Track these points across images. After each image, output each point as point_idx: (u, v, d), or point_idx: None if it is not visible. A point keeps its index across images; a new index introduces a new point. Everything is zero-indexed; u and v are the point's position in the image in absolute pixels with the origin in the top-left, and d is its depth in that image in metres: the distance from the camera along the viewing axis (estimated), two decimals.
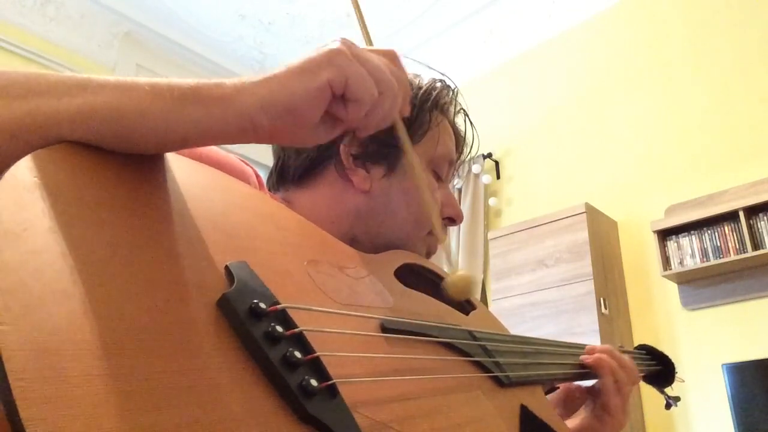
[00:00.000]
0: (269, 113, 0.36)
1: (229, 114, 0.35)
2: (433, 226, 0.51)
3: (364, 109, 0.41)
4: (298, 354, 0.31)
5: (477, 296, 0.51)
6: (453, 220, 0.70)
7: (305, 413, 0.30)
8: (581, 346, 0.79)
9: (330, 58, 0.39)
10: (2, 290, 0.22)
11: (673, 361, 1.00)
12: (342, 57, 0.39)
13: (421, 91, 0.67)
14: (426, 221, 0.65)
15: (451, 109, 0.72)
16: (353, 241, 0.54)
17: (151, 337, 0.26)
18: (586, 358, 0.75)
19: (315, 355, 0.33)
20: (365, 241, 0.62)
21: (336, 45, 0.40)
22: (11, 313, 0.22)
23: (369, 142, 0.63)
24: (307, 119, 0.38)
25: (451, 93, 0.71)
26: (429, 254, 0.70)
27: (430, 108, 0.67)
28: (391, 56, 0.45)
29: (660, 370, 1.00)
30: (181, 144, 0.35)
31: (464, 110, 0.75)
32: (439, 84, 0.70)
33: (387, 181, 0.64)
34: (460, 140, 0.74)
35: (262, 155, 3.15)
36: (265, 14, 3.34)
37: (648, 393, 2.37)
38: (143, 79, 0.34)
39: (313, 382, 0.31)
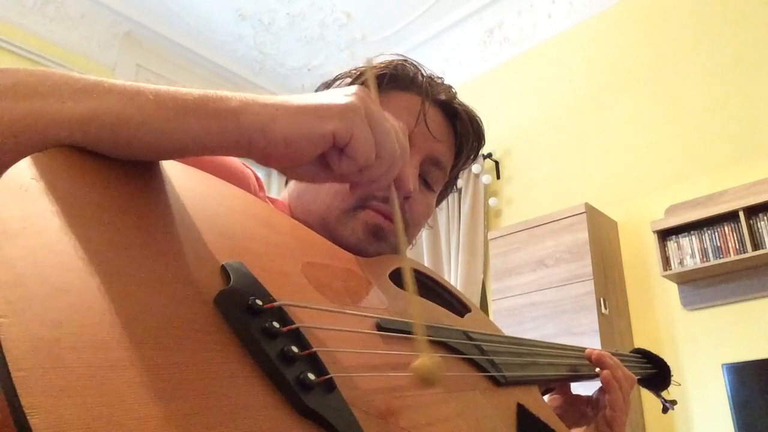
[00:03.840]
0: (267, 138, 0.36)
1: (229, 129, 0.35)
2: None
3: (357, 168, 0.41)
4: (295, 349, 0.32)
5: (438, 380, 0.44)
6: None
7: (304, 407, 0.30)
8: (576, 348, 0.80)
9: (343, 112, 0.39)
10: (2, 284, 0.23)
11: (673, 361, 1.01)
12: (355, 115, 0.39)
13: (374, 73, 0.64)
14: (346, 192, 0.60)
15: (418, 81, 0.68)
16: None
17: (150, 331, 0.26)
18: (602, 374, 0.75)
19: (312, 350, 0.33)
20: (303, 221, 0.57)
21: (354, 99, 0.40)
22: (11, 305, 0.22)
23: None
24: (301, 156, 0.39)
25: (410, 67, 0.68)
26: (370, 229, 0.60)
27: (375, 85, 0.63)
28: (402, 128, 0.46)
29: (656, 373, 1.00)
30: (180, 154, 0.36)
31: (441, 85, 0.70)
32: (394, 62, 0.67)
33: None
34: (446, 110, 0.69)
35: None
36: (265, 14, 3.35)
37: (648, 393, 2.37)
38: (149, 86, 0.35)
39: (311, 376, 0.31)
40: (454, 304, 0.66)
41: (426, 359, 0.36)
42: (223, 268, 0.34)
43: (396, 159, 0.43)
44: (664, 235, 2.39)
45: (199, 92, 0.36)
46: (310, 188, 0.64)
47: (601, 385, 0.78)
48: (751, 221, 2.20)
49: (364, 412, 0.34)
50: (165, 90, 0.35)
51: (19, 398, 0.20)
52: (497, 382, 0.53)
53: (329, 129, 0.38)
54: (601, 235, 2.54)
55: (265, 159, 0.38)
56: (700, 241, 2.30)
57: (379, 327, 0.43)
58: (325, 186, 0.61)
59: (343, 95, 0.40)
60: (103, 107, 0.32)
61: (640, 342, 2.44)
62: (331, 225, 0.60)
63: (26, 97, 0.31)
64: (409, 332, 0.46)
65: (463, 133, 0.70)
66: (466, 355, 0.51)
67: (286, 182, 0.71)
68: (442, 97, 0.69)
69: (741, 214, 2.18)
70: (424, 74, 0.70)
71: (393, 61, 0.68)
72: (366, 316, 0.43)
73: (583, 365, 0.77)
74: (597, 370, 0.76)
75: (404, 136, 0.46)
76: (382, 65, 0.67)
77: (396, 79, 0.67)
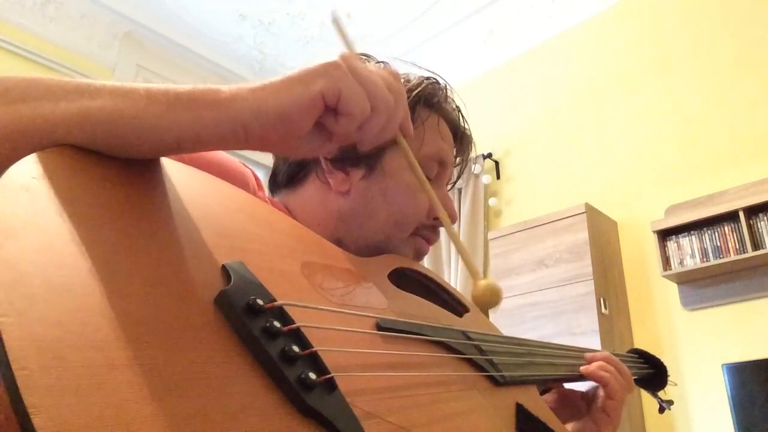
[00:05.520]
0: (261, 119, 0.37)
1: (222, 118, 0.36)
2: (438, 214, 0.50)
3: (355, 123, 0.41)
4: (296, 348, 0.32)
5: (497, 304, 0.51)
6: None
7: (305, 406, 0.30)
8: (575, 349, 0.80)
9: (325, 70, 0.39)
10: (3, 284, 0.23)
11: (673, 361, 1.00)
12: (337, 70, 0.39)
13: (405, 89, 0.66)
14: (407, 222, 0.65)
15: (446, 106, 0.70)
16: (339, 244, 0.54)
17: (151, 331, 0.26)
18: (586, 369, 0.74)
19: (313, 349, 0.33)
20: (350, 243, 0.62)
21: (335, 58, 0.40)
22: (13, 305, 0.22)
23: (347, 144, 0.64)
24: (298, 128, 0.39)
25: (441, 90, 0.70)
26: (418, 255, 0.69)
27: (412, 105, 0.64)
28: (393, 74, 0.46)
29: (653, 373, 0.99)
30: (176, 148, 0.36)
31: (458, 108, 0.72)
32: (427, 81, 0.68)
33: (366, 183, 0.64)
34: (459, 137, 0.72)
35: (261, 155, 3.15)
36: (265, 14, 3.35)
37: (648, 393, 2.37)
38: (140, 84, 0.35)
39: (312, 376, 0.31)
40: (453, 304, 0.66)
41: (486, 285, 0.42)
42: (224, 268, 0.34)
43: (392, 107, 0.43)
44: (664, 235, 2.39)
45: (189, 87, 0.36)
46: (360, 212, 0.64)
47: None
48: (751, 221, 2.20)
49: (364, 412, 0.34)
50: (156, 86, 0.35)
51: (22, 397, 0.20)
52: (496, 382, 0.53)
53: (316, 89, 0.38)
54: (601, 235, 2.54)
55: (265, 144, 0.38)
56: (700, 241, 2.30)
57: (379, 327, 0.43)
58: (382, 215, 0.63)
59: (323, 60, 0.41)
60: (97, 105, 0.33)
61: (640, 342, 2.43)
62: (386, 249, 0.64)
63: (20, 100, 0.31)
64: (408, 332, 0.46)
65: (465, 151, 0.75)
66: (465, 354, 0.51)
67: (272, 191, 0.71)
68: (460, 123, 0.72)
69: (741, 214, 2.18)
70: (455, 104, 0.72)
71: (427, 79, 0.69)
72: (366, 315, 0.44)
73: (582, 365, 0.77)
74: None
75: (396, 80, 0.45)
76: (416, 82, 0.68)
77: (423, 98, 0.68)
